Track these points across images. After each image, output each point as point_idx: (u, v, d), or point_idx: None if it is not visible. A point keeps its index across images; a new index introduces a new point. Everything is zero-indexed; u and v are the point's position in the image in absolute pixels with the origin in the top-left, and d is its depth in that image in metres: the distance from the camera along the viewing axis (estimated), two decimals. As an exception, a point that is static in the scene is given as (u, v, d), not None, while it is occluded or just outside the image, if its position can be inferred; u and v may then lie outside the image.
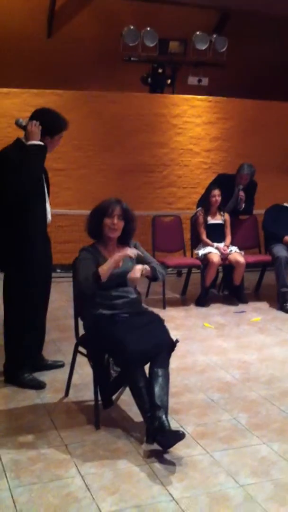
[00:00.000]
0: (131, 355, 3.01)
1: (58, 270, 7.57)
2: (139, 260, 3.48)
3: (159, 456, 2.88)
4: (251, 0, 7.73)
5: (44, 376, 3.96)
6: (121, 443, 3.04)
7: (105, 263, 3.29)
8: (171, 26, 8.61)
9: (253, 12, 8.01)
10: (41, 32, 9.11)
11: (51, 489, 2.62)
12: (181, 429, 3.01)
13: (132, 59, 8.23)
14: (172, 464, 2.82)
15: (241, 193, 6.48)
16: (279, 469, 2.80)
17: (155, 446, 2.90)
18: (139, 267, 3.35)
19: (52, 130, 3.72)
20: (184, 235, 6.75)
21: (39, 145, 3.66)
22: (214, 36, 8.43)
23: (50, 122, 3.72)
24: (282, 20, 8.20)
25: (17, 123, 3.74)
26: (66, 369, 3.75)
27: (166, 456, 2.88)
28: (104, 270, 3.25)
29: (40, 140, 3.67)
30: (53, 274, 7.38)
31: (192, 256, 6.45)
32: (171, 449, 2.91)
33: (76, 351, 3.57)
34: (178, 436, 2.86)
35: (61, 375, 3.92)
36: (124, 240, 3.49)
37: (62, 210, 7.03)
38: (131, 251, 3.35)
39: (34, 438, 3.09)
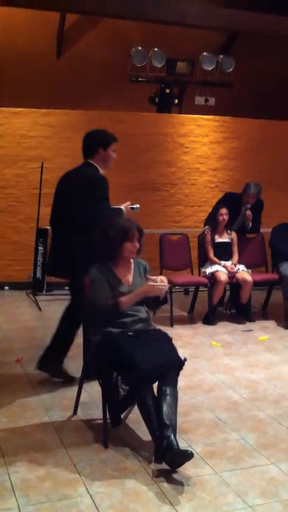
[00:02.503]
0: (143, 372, 3.02)
1: (66, 288, 7.61)
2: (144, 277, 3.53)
3: (168, 475, 2.88)
4: (258, 20, 7.83)
5: (53, 394, 3.98)
6: (129, 462, 3.04)
7: (128, 296, 3.33)
8: (178, 46, 8.75)
9: (260, 32, 8.11)
10: (50, 53, 9.29)
11: (60, 508, 2.62)
12: (189, 448, 3.01)
13: (140, 79, 8.35)
14: (181, 484, 2.82)
15: (248, 212, 6.51)
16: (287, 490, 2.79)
17: (164, 466, 2.91)
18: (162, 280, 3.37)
19: (104, 144, 4.13)
20: (192, 253, 6.79)
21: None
22: (221, 56, 8.54)
23: (100, 137, 4.18)
24: (286, 39, 8.30)
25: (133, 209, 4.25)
26: (75, 387, 3.76)
27: (175, 475, 2.88)
28: (126, 302, 3.32)
29: (96, 154, 4.14)
30: (61, 291, 7.51)
31: (199, 274, 6.48)
32: (180, 468, 2.91)
33: (84, 369, 3.59)
34: (186, 455, 2.86)
35: (69, 393, 3.93)
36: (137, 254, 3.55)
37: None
38: (160, 288, 3.35)
39: (42, 456, 3.09)
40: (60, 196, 4.24)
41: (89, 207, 3.99)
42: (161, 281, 3.37)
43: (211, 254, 6.27)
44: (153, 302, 3.54)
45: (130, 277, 3.50)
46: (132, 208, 4.23)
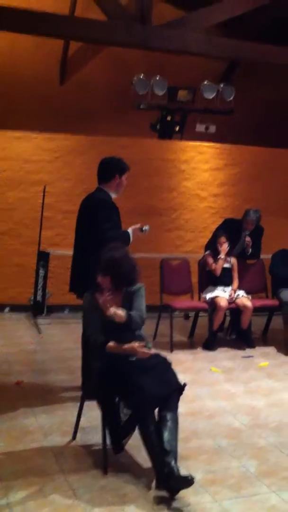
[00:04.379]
0: (145, 398, 3.01)
1: (67, 311, 7.62)
2: (130, 302, 3.51)
3: (168, 502, 2.85)
4: (257, 50, 7.96)
5: (52, 419, 3.95)
6: (129, 489, 3.01)
7: (116, 346, 3.31)
8: (180, 74, 8.87)
9: (259, 61, 8.24)
10: (53, 78, 9.41)
11: (59, 535, 2.59)
12: (189, 475, 2.98)
13: (142, 107, 8.45)
14: (181, 511, 2.79)
15: (248, 238, 6.55)
16: (290, 518, 2.76)
17: (164, 493, 2.88)
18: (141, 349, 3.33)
19: (120, 171, 4.35)
20: (192, 278, 6.79)
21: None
22: (222, 85, 8.66)
23: (117, 164, 4.38)
24: (286, 68, 8.43)
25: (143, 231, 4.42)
26: (74, 411, 3.73)
27: (175, 503, 2.85)
28: (112, 348, 3.31)
29: (112, 180, 4.34)
30: (62, 315, 7.52)
31: (199, 299, 6.48)
32: (180, 496, 2.88)
33: (84, 394, 3.57)
34: (187, 481, 2.84)
35: (69, 418, 3.91)
36: (119, 285, 3.48)
37: (71, 251, 7.11)
38: (142, 351, 3.31)
39: (41, 482, 3.06)
40: (78, 219, 4.45)
41: (97, 230, 4.13)
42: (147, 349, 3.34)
43: (218, 272, 6.26)
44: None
45: (120, 304, 3.47)
46: (142, 230, 4.36)
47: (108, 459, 3.22)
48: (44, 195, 7.22)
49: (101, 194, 4.35)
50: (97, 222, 4.17)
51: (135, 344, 3.31)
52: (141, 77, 8.29)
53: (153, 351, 3.39)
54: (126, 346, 3.31)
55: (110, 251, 3.50)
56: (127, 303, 3.50)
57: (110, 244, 3.60)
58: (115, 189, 4.37)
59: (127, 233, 4.28)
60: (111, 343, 3.32)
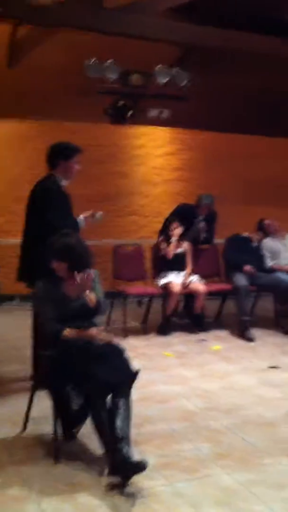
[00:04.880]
0: (96, 386, 2.98)
1: (17, 300, 7.49)
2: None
3: (121, 488, 2.82)
4: (213, 35, 7.94)
5: (2, 410, 3.86)
6: (81, 477, 2.96)
7: (74, 332, 3.24)
8: (133, 59, 8.76)
9: (215, 48, 8.23)
10: (1, 62, 9.15)
11: (9, 526, 2.52)
12: (143, 459, 2.96)
13: (94, 90, 8.33)
14: (134, 496, 2.76)
15: (201, 224, 6.56)
16: (242, 499, 2.77)
17: (117, 479, 2.85)
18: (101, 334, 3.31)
19: (65, 156, 4.21)
20: (146, 264, 6.77)
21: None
22: (176, 69, 8.61)
23: (61, 149, 4.25)
24: (241, 54, 8.45)
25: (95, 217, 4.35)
26: (25, 401, 3.63)
27: (128, 488, 2.82)
28: (69, 335, 3.23)
29: (58, 166, 4.21)
30: (12, 304, 7.37)
31: (153, 285, 6.46)
32: (133, 481, 2.85)
33: (35, 383, 3.50)
34: (140, 467, 2.81)
35: (20, 407, 3.80)
36: (76, 269, 3.44)
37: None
38: (103, 337, 3.29)
39: (-9, 473, 2.98)
40: (27, 206, 4.31)
41: (43, 218, 4.03)
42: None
43: (170, 255, 6.23)
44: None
45: (75, 292, 3.43)
46: (95, 217, 4.28)
47: (59, 448, 3.17)
48: (-7, 181, 7.06)
49: (49, 181, 4.23)
50: (44, 210, 4.07)
51: (94, 330, 3.27)
52: (94, 61, 8.17)
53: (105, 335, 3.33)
54: (85, 332, 3.26)
55: (62, 237, 3.45)
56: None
57: (62, 231, 3.54)
58: (64, 175, 4.23)
59: (77, 222, 4.19)
60: (68, 330, 3.26)
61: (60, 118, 8.16)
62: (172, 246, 6.28)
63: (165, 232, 6.42)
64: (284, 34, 8.12)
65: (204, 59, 9.28)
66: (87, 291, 3.36)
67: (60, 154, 4.23)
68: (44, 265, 3.47)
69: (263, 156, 8.90)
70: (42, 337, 3.44)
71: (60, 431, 3.23)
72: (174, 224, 6.31)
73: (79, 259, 3.43)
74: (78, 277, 3.35)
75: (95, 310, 3.43)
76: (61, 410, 3.23)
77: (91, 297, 3.38)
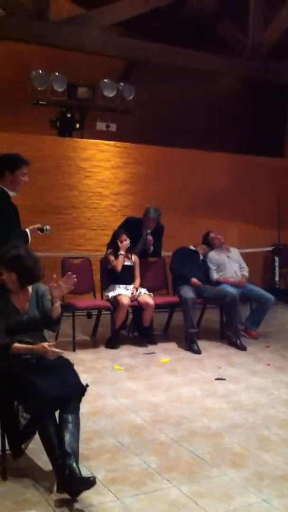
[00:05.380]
0: (43, 401, 2.96)
1: None
2: (40, 303, 3.48)
3: (70, 505, 2.82)
4: (154, 50, 8.09)
5: None
6: (29, 494, 2.94)
7: (23, 346, 3.22)
8: (79, 71, 8.82)
9: (156, 61, 8.38)
10: None
11: None
12: (91, 475, 2.97)
13: (40, 102, 8.31)
14: (83, 513, 2.77)
15: (149, 237, 6.63)
16: (190, 511, 2.82)
17: (66, 495, 2.84)
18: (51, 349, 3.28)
19: (10, 166, 4.14)
20: (94, 276, 6.78)
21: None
22: (121, 84, 8.71)
23: (7, 160, 4.19)
24: (184, 69, 8.64)
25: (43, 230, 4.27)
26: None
27: (77, 504, 2.82)
28: (18, 350, 3.21)
29: (3, 177, 4.13)
30: None
31: (102, 298, 6.48)
32: (82, 496, 2.85)
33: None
34: (88, 483, 2.81)
35: None
36: (24, 283, 3.44)
37: None
38: (51, 351, 3.25)
39: None
40: None
41: None
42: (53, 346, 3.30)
43: (119, 268, 6.27)
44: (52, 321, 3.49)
45: (26, 305, 3.42)
46: (42, 230, 4.23)
47: (7, 465, 3.13)
48: None
49: None
50: None
51: (45, 344, 3.26)
52: (40, 72, 8.16)
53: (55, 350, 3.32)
54: (36, 346, 3.24)
55: (12, 248, 3.43)
56: (37, 302, 3.45)
57: (11, 242, 3.53)
58: (10, 186, 4.17)
59: (24, 233, 4.15)
60: (17, 344, 3.23)
61: (5, 129, 8.08)
62: (120, 258, 6.32)
63: (113, 244, 6.46)
64: (217, 50, 8.42)
65: (147, 73, 9.44)
66: (56, 301, 3.37)
67: (6, 165, 4.18)
68: None
69: (209, 169, 9.09)
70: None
71: (7, 447, 3.19)
72: (123, 237, 6.36)
73: (29, 270, 3.41)
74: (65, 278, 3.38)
75: (56, 321, 3.45)
76: (8, 426, 3.19)
77: (57, 306, 3.38)
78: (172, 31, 8.50)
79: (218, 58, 8.50)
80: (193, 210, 8.88)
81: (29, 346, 3.25)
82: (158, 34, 8.38)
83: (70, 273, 3.45)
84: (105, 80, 8.50)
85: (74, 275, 3.43)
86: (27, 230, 4.19)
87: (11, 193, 4.22)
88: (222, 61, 8.55)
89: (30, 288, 3.48)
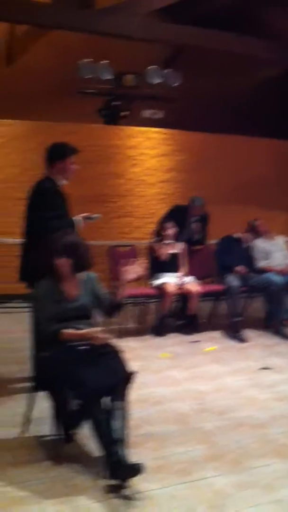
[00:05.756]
0: (90, 389, 3.05)
1: (17, 301, 7.53)
2: (94, 295, 3.57)
3: (118, 491, 2.91)
4: (201, 36, 8.02)
5: (1, 411, 3.94)
6: (80, 479, 3.06)
7: (72, 332, 3.32)
8: (125, 60, 8.84)
9: (203, 48, 8.31)
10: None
11: (11, 528, 2.61)
12: (139, 463, 3.07)
13: (87, 91, 8.39)
14: (131, 499, 2.86)
15: (194, 225, 6.65)
16: (235, 501, 2.87)
17: (114, 481, 2.95)
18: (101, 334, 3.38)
19: (60, 156, 4.28)
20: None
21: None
22: (167, 71, 8.68)
23: (58, 149, 4.32)
24: (231, 55, 8.55)
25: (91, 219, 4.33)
26: (24, 402, 3.73)
27: (125, 491, 2.92)
28: (67, 336, 3.31)
29: (53, 166, 4.28)
30: (11, 304, 7.44)
31: (148, 286, 6.55)
32: (130, 483, 2.95)
33: (34, 385, 3.58)
34: (136, 470, 2.90)
35: (20, 409, 3.88)
36: (78, 271, 3.54)
37: (20, 239, 7.05)
38: (102, 336, 3.35)
39: (-8, 475, 3.07)
40: (26, 207, 4.37)
41: (36, 218, 4.14)
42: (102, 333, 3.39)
43: (163, 257, 6.31)
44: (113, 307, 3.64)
45: (75, 292, 3.52)
46: (91, 218, 4.29)
47: (58, 450, 3.26)
48: (-11, 182, 7.11)
49: (45, 181, 4.30)
50: (40, 210, 4.14)
51: (94, 329, 3.35)
52: (87, 61, 8.22)
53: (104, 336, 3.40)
54: (85, 331, 3.33)
55: (67, 234, 3.52)
56: (87, 290, 3.54)
57: (64, 230, 3.63)
58: (61, 175, 4.29)
59: (72, 222, 4.20)
60: (67, 330, 3.33)
61: (55, 118, 8.21)
62: (166, 247, 6.37)
63: (159, 233, 6.51)
64: (265, 36, 8.25)
65: (195, 59, 9.36)
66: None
67: (56, 155, 4.29)
68: (43, 265, 3.55)
69: (255, 156, 9.00)
70: (41, 338, 3.51)
71: (59, 432, 3.31)
72: (169, 225, 6.40)
73: (84, 257, 3.52)
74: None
75: (118, 305, 3.62)
76: (60, 412, 3.30)
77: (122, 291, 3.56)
78: (217, 16, 8.39)
79: (264, 44, 8.35)
80: (239, 198, 8.82)
81: (78, 332, 3.34)
82: (203, 19, 8.28)
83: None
84: (151, 67, 8.49)
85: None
86: (75, 219, 4.27)
87: (61, 182, 4.31)
88: (267, 47, 8.40)
89: (79, 276, 3.56)
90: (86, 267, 3.57)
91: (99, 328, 3.40)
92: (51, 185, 4.28)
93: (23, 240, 4.39)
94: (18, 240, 6.54)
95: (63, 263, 3.45)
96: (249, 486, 3.02)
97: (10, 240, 7.21)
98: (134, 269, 3.52)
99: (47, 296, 3.42)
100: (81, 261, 3.51)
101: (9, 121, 7.84)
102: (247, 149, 8.99)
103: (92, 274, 3.65)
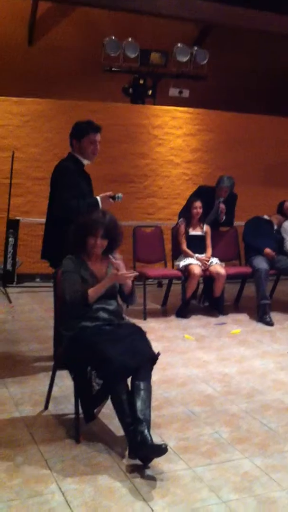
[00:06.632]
0: (115, 368, 2.97)
1: (38, 280, 7.52)
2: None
3: (141, 471, 2.84)
4: (231, 13, 7.80)
5: (23, 389, 3.90)
6: (102, 458, 2.98)
7: (95, 287, 3.28)
8: (152, 37, 8.67)
9: (233, 26, 8.09)
10: (22, 40, 9.09)
11: (31, 505, 2.55)
12: (163, 443, 2.97)
13: (113, 69, 8.25)
14: (154, 479, 2.78)
15: (222, 205, 6.49)
16: (262, 484, 2.77)
17: (137, 461, 2.86)
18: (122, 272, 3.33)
19: (78, 135, 4.14)
20: (165, 245, 6.74)
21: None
22: (195, 48, 8.49)
23: (75, 128, 4.18)
24: (262, 34, 8.30)
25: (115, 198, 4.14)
26: (46, 381, 3.68)
27: (148, 471, 2.84)
28: (93, 293, 3.26)
29: (73, 146, 4.18)
30: (33, 284, 7.42)
31: (173, 267, 6.44)
32: (153, 464, 2.87)
33: (56, 364, 3.52)
34: (160, 450, 2.82)
35: (40, 387, 3.86)
36: (108, 252, 3.47)
37: (42, 219, 6.97)
38: (125, 276, 3.31)
39: (12, 452, 3.01)
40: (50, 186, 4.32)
41: (56, 196, 4.08)
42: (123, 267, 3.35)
43: (184, 246, 6.24)
44: (125, 296, 3.53)
45: (104, 270, 3.44)
46: (114, 198, 4.14)
47: (80, 429, 3.19)
48: (12, 161, 7.02)
49: (66, 161, 4.21)
50: (59, 190, 4.06)
51: (114, 271, 3.29)
52: (113, 38, 8.07)
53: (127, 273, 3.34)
54: (106, 279, 3.29)
55: (105, 214, 3.41)
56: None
57: (96, 209, 3.57)
58: (81, 155, 4.16)
59: (95, 201, 4.09)
60: (90, 290, 3.26)
61: (79, 97, 8.10)
62: (192, 228, 6.27)
63: (186, 213, 6.36)
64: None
65: (223, 38, 9.13)
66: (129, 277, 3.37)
67: (75, 133, 4.17)
68: (71, 243, 3.46)
69: (285, 137, 8.76)
70: (63, 316, 3.44)
71: (81, 411, 3.25)
72: (197, 203, 6.25)
73: (120, 237, 3.47)
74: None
75: (129, 296, 3.48)
76: (82, 390, 3.23)
77: (128, 282, 3.41)
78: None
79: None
80: (267, 179, 8.62)
81: (101, 283, 3.29)
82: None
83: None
84: (179, 45, 8.30)
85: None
86: (98, 198, 4.16)
87: (85, 161, 4.21)
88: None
89: (107, 256, 3.48)
90: (117, 247, 3.49)
91: (118, 261, 3.34)
92: (72, 164, 4.18)
93: (47, 218, 4.30)
94: (38, 219, 6.51)
95: (101, 244, 3.37)
96: (278, 469, 2.91)
97: (30, 219, 7.17)
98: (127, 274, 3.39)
99: (74, 271, 3.34)
100: (116, 242, 3.45)
101: (32, 99, 7.75)
102: (276, 130, 8.76)
103: (117, 255, 3.55)
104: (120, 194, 4.18)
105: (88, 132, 4.12)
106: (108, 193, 4.17)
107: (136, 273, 3.43)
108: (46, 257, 4.30)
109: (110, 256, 3.43)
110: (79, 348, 3.18)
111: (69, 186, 4.04)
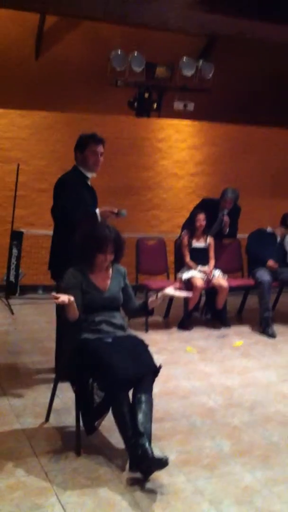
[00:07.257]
0: (119, 379, 2.98)
1: (40, 291, 7.54)
2: (122, 289, 3.54)
3: (142, 484, 2.83)
4: (237, 25, 7.84)
5: (25, 400, 3.90)
6: (102, 471, 2.98)
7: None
8: (158, 51, 8.72)
9: (239, 37, 8.13)
10: (29, 53, 9.17)
11: (30, 518, 2.55)
12: (164, 456, 2.97)
13: (119, 83, 8.30)
14: (155, 492, 2.77)
15: (226, 218, 6.51)
16: (262, 497, 2.76)
17: (138, 474, 2.86)
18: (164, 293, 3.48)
19: (79, 147, 4.17)
20: (168, 258, 6.75)
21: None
22: (201, 62, 8.54)
23: (78, 140, 4.21)
24: (267, 45, 8.35)
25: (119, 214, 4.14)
26: (47, 393, 3.68)
27: (149, 484, 2.83)
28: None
29: (76, 158, 4.20)
30: (36, 295, 7.43)
31: (175, 279, 6.44)
32: (154, 477, 2.86)
33: (58, 376, 3.52)
34: (161, 463, 2.81)
35: (41, 399, 3.86)
36: (113, 262, 3.52)
37: (46, 231, 7.00)
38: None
39: (13, 465, 3.01)
40: None
41: (55, 207, 4.12)
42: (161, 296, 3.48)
43: (187, 258, 6.25)
44: (139, 311, 3.63)
45: (107, 282, 3.45)
46: (118, 214, 4.12)
47: (81, 441, 3.19)
48: (17, 174, 7.07)
49: (68, 173, 4.22)
50: (60, 202, 4.08)
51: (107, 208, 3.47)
52: (119, 52, 8.13)
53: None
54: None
55: (110, 228, 3.43)
56: (117, 282, 3.51)
57: (101, 222, 3.66)
58: (84, 167, 4.17)
59: (93, 214, 4.05)
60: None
61: (85, 110, 8.16)
62: (195, 240, 6.28)
63: (190, 225, 6.38)
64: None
65: (228, 50, 9.18)
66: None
67: (76, 146, 4.20)
68: (69, 255, 3.47)
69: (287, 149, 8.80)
70: (65, 328, 3.45)
71: (81, 423, 3.24)
72: (201, 216, 6.26)
73: (123, 252, 3.50)
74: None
75: (150, 311, 3.64)
76: (83, 403, 3.24)
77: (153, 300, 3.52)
78: (253, 5, 8.20)
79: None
80: (272, 191, 8.64)
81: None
82: (242, 8, 8.09)
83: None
84: (184, 59, 8.36)
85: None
86: (97, 211, 4.10)
87: (89, 174, 4.21)
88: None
89: (110, 267, 3.52)
90: (121, 258, 3.52)
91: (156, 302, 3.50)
92: (75, 176, 4.19)
93: (54, 231, 4.31)
94: (42, 231, 6.54)
95: (110, 258, 3.41)
96: (279, 482, 2.90)
97: (34, 231, 7.19)
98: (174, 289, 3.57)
99: (75, 287, 3.34)
100: (121, 253, 3.49)
101: (38, 112, 7.80)
102: (281, 141, 8.78)
103: (122, 268, 3.58)
104: (124, 211, 4.14)
105: (90, 143, 4.14)
106: (111, 209, 4.13)
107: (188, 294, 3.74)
108: (50, 268, 4.32)
109: (153, 296, 3.54)
110: (83, 359, 3.19)
111: (69, 196, 4.03)
